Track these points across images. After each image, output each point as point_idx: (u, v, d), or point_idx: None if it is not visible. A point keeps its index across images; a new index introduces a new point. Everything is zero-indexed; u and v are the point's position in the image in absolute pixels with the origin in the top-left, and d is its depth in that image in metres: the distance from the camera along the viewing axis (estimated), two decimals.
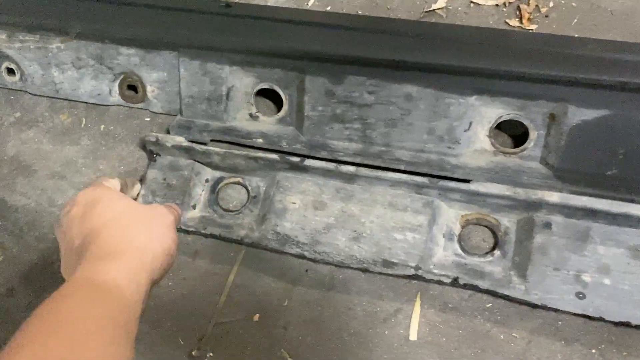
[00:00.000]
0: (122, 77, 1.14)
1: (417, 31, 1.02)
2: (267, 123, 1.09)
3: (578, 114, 0.91)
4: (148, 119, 1.15)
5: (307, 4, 1.20)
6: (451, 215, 0.96)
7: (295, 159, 0.99)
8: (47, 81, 1.19)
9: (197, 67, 1.07)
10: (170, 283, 1.00)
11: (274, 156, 1.00)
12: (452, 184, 0.94)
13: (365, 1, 1.18)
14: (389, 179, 0.97)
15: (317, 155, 1.03)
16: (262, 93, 1.10)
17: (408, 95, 0.98)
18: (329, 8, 1.19)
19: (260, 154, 1.01)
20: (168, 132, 1.11)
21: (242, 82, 1.08)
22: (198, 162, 1.04)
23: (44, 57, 1.16)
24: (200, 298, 0.98)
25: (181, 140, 1.03)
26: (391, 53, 0.97)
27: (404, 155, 1.00)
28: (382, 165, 1.01)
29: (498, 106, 0.96)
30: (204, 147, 1.02)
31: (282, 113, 1.08)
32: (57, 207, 1.11)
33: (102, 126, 1.16)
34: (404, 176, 0.96)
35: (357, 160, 1.01)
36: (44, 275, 1.05)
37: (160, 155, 1.05)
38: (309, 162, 0.98)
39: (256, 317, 0.96)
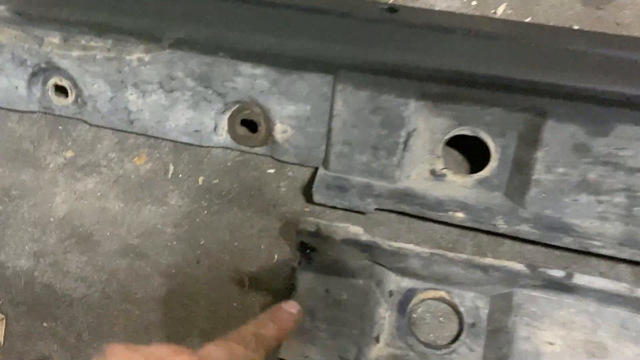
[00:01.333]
0: (236, 107, 0.77)
1: None
2: (459, 186, 0.73)
3: None
4: (272, 171, 0.78)
5: (495, 11, 0.84)
6: None
7: (559, 274, 0.62)
8: (118, 107, 0.81)
9: (365, 100, 0.71)
10: None
11: (519, 267, 0.63)
12: None
13: (581, 12, 0.83)
14: None
15: (556, 243, 0.67)
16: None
17: None
18: (529, 19, 0.83)
19: (493, 261, 0.64)
20: (306, 194, 0.74)
21: (429, 124, 0.72)
22: (380, 264, 0.67)
23: (117, 73, 0.79)
24: None
25: (358, 231, 0.66)
26: None
27: None
28: None
29: None
30: (394, 245, 0.65)
31: (486, 172, 0.72)
32: (134, 303, 0.73)
33: (201, 178, 0.79)
34: None
35: (624, 254, 0.65)
36: None
37: (317, 252, 0.68)
38: (580, 280, 0.62)
39: None
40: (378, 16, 0.76)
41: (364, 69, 0.69)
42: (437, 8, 0.86)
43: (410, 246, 0.66)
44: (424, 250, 0.65)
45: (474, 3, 0.86)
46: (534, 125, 0.67)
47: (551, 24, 0.83)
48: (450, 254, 0.65)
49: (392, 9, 0.78)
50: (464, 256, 0.65)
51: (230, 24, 0.73)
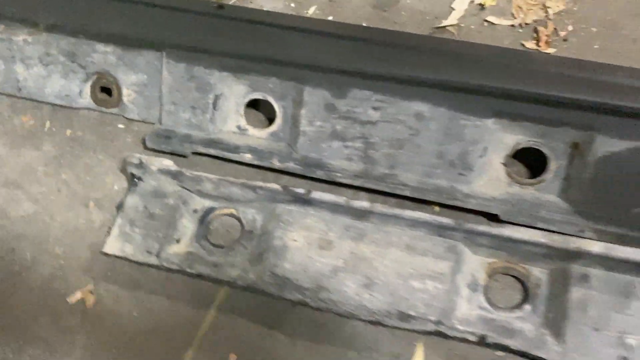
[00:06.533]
0: (95, 77, 1.02)
1: (427, 46, 0.92)
2: (257, 137, 0.98)
3: (605, 145, 0.82)
4: (122, 126, 1.02)
5: (307, 12, 1.10)
6: (476, 262, 0.84)
7: (301, 191, 0.87)
8: (9, 77, 1.05)
9: (183, 70, 0.96)
10: (135, 314, 0.86)
11: (276, 186, 0.88)
12: (481, 227, 0.83)
13: (371, 13, 1.09)
14: (408, 217, 0.85)
15: (312, 175, 0.92)
16: (253, 104, 0.99)
17: (418, 113, 0.88)
18: (330, 17, 1.09)
19: (260, 183, 0.89)
20: (144, 142, 0.98)
21: (232, 90, 0.97)
22: (187, 189, 0.91)
23: (8, 50, 1.03)
24: (170, 335, 0.85)
25: (169, 164, 0.90)
26: (403, 67, 0.87)
27: (410, 180, 0.90)
28: (386, 189, 0.90)
29: (517, 131, 0.87)
30: (194, 173, 0.90)
31: (274, 127, 0.97)
32: (11, 220, 0.96)
33: (69, 131, 1.03)
34: (426, 216, 0.84)
35: (358, 182, 0.90)
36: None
37: (142, 180, 0.92)
38: (316, 195, 0.86)
39: (233, 357, 0.82)
40: (208, 11, 1.01)
41: (179, 47, 0.94)
42: (265, 8, 1.12)
43: (205, 173, 0.90)
44: (214, 176, 0.90)
45: (292, 5, 1.12)
46: (299, 91, 0.92)
47: (347, 21, 1.09)
48: (231, 179, 0.90)
49: (221, 6, 1.03)
50: (241, 180, 0.89)
51: (88, 14, 0.98)
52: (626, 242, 0.81)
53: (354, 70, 0.88)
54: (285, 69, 0.92)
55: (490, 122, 0.86)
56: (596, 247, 0.79)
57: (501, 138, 0.88)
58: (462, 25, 1.06)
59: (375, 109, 0.89)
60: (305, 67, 0.90)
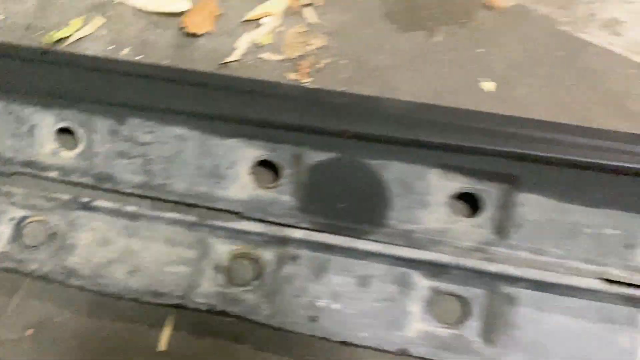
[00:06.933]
0: None
1: (198, 80, 1.17)
2: (67, 158, 1.21)
3: (313, 156, 1.07)
4: None
5: (122, 53, 1.35)
6: (221, 250, 1.09)
7: (85, 199, 1.12)
8: None
9: (2, 107, 1.19)
10: None
11: (67, 196, 1.12)
12: (218, 222, 1.08)
13: (174, 52, 1.34)
14: (166, 217, 1.10)
15: (103, 187, 1.16)
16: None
17: (179, 136, 1.12)
18: (141, 56, 1.34)
19: (57, 194, 1.13)
20: None
21: (44, 121, 1.20)
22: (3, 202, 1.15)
23: None
24: None
25: None
26: (164, 100, 1.12)
27: (180, 188, 1.14)
28: (162, 197, 1.14)
29: (255, 147, 1.12)
30: (6, 188, 1.14)
31: (79, 149, 1.21)
32: None
33: None
34: (179, 215, 1.10)
35: (139, 192, 1.14)
36: None
37: None
38: (98, 202, 1.11)
39: (30, 332, 1.06)
40: (32, 56, 1.25)
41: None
42: (88, 50, 1.36)
43: (15, 188, 1.14)
44: (22, 190, 1.14)
45: (111, 47, 1.36)
46: (90, 120, 1.16)
47: (154, 60, 1.33)
48: (37, 192, 1.13)
49: (45, 52, 1.27)
50: (43, 193, 1.13)
51: None
52: (334, 230, 1.07)
53: (126, 103, 1.13)
54: (79, 103, 1.16)
55: (232, 141, 1.11)
56: (298, 233, 1.05)
57: (244, 153, 1.12)
58: (243, 61, 1.31)
59: (148, 132, 1.14)
60: (92, 100, 1.15)
